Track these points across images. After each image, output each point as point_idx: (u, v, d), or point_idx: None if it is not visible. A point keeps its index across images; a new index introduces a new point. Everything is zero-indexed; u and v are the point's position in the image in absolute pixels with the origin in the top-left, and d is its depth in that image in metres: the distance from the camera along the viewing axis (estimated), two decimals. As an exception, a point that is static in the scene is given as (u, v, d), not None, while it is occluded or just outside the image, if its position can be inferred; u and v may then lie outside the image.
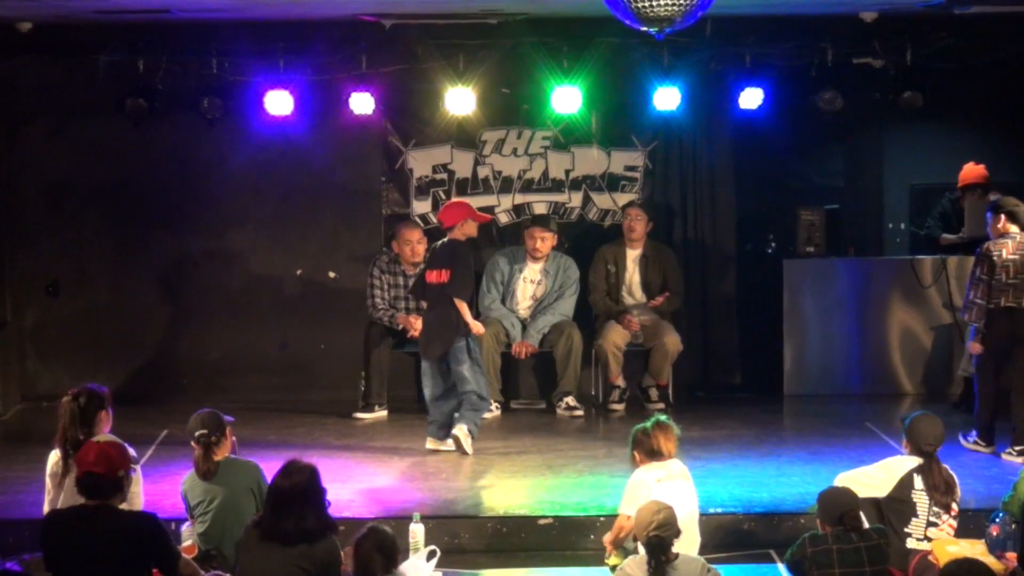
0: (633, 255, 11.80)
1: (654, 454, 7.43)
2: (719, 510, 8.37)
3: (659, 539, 6.39)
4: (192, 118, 11.65)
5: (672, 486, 7.28)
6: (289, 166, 12.19)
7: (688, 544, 6.88)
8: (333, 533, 6.40)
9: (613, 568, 7.28)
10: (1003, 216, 9.70)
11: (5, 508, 8.57)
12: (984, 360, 9.80)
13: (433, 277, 10.02)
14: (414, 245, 11.51)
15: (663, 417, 7.56)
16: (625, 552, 7.33)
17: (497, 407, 11.48)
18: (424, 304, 10.32)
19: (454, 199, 11.08)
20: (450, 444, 9.94)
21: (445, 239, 10.10)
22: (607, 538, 7.60)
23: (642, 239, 11.77)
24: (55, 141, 12.17)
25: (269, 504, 6.38)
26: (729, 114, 12.04)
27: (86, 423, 7.29)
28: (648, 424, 7.49)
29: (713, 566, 6.61)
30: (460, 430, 9.89)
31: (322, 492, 6.41)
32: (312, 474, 6.40)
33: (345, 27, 11.29)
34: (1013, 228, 9.67)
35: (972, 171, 11.37)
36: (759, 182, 12.67)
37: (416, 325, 11.26)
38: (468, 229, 10.08)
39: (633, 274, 11.78)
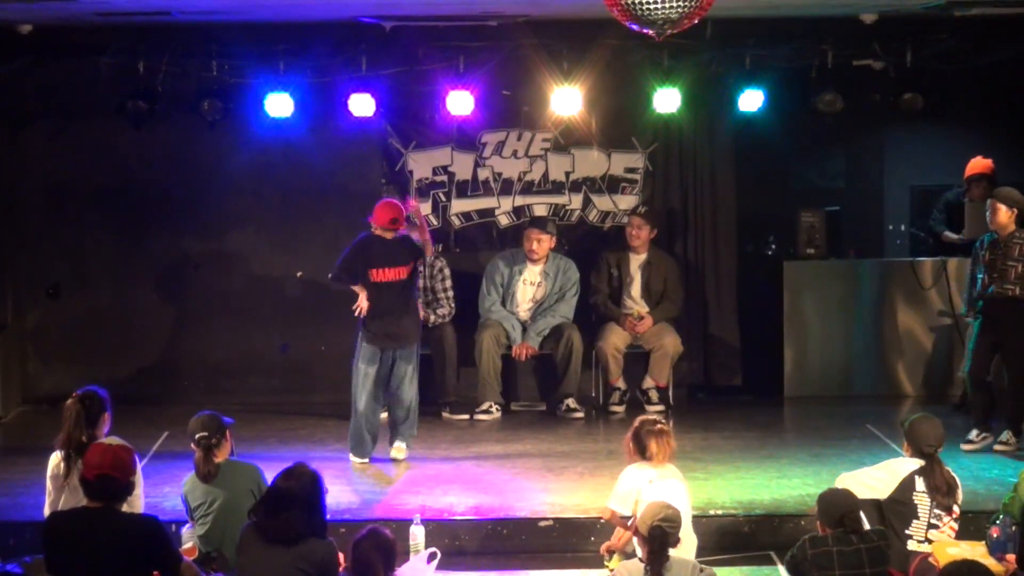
0: (637, 261, 11.80)
1: (643, 454, 7.45)
2: (719, 512, 8.38)
3: (661, 531, 6.39)
4: (192, 120, 11.66)
5: (664, 486, 7.29)
6: (289, 168, 12.19)
7: (685, 547, 6.87)
8: (327, 537, 6.39)
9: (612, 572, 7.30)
10: (1016, 211, 9.79)
11: (6, 510, 8.59)
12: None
13: (391, 275, 9.80)
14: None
15: (667, 427, 7.54)
16: (625, 556, 7.34)
17: (497, 409, 11.49)
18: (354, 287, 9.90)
19: (391, 199, 10.42)
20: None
21: (398, 235, 9.85)
22: (605, 546, 7.62)
23: (646, 246, 11.77)
24: (56, 143, 12.17)
25: (265, 504, 6.39)
26: (729, 116, 12.04)
27: (90, 425, 7.31)
28: (652, 425, 7.49)
29: (709, 567, 6.61)
30: (401, 449, 9.92)
31: (321, 498, 6.40)
32: (312, 480, 6.39)
33: (345, 29, 11.29)
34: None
35: (979, 163, 11.37)
36: (759, 184, 12.67)
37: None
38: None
39: (636, 280, 11.78)
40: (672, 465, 7.52)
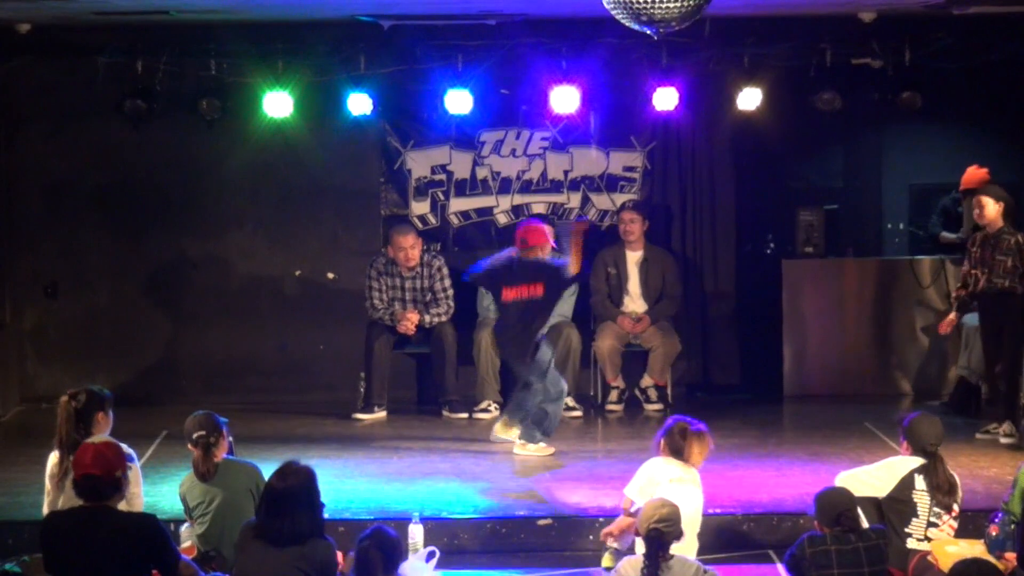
0: (634, 258, 11.80)
1: (677, 453, 7.44)
2: (718, 511, 8.37)
3: (658, 532, 6.40)
4: (191, 119, 11.66)
5: (682, 488, 7.28)
6: (288, 167, 12.19)
7: (685, 550, 6.87)
8: (326, 536, 6.38)
9: (608, 569, 7.30)
10: (1003, 205, 10.05)
11: (5, 509, 8.59)
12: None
13: (518, 293, 9.89)
14: (408, 251, 11.50)
15: (705, 430, 7.52)
16: (620, 553, 7.34)
17: (496, 408, 11.47)
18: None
19: (536, 223, 10.45)
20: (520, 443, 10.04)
21: (527, 256, 9.92)
22: (607, 529, 7.60)
23: (641, 240, 11.78)
24: (54, 143, 12.17)
25: (263, 505, 6.38)
26: (728, 114, 12.03)
27: (84, 424, 7.27)
28: (691, 428, 7.45)
29: (710, 567, 6.61)
30: (523, 438, 9.99)
31: (317, 495, 6.39)
32: (307, 476, 6.37)
33: (343, 28, 11.29)
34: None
35: (973, 176, 11.37)
36: (758, 182, 12.67)
37: (412, 319, 11.34)
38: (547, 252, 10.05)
39: (634, 277, 11.78)
40: (695, 469, 7.50)
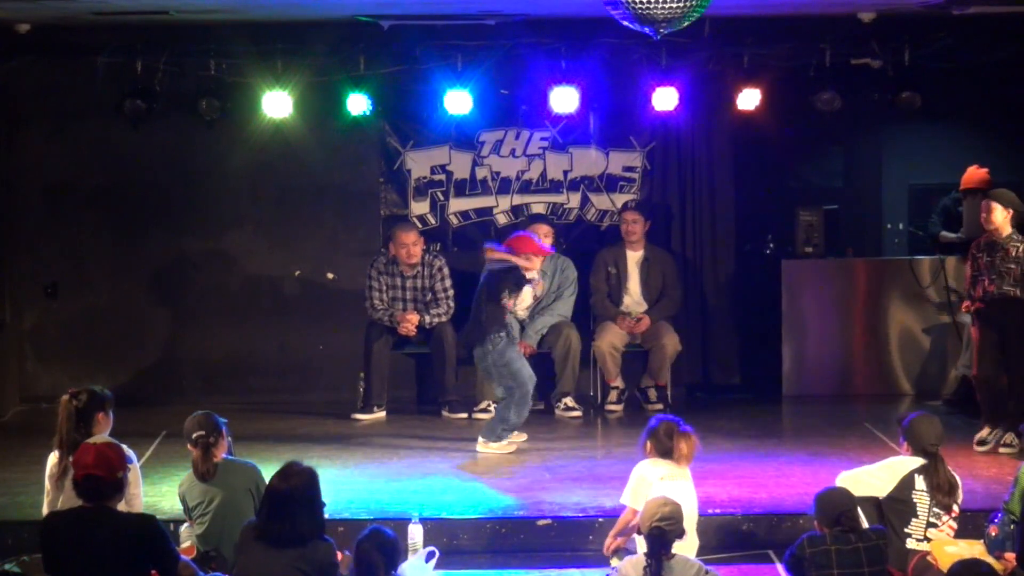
0: (635, 258, 11.81)
1: (666, 454, 7.43)
2: (718, 511, 8.38)
3: (660, 531, 6.39)
4: (190, 119, 11.66)
5: (675, 486, 7.28)
6: (287, 167, 12.19)
7: (685, 548, 6.87)
8: (325, 536, 6.39)
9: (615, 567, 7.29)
10: (1011, 212, 9.89)
11: (4, 509, 8.58)
12: None
13: None
14: (410, 247, 11.50)
15: (690, 429, 7.52)
16: (627, 553, 7.34)
17: (495, 408, 11.47)
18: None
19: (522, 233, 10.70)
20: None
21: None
22: (611, 544, 7.59)
23: (642, 241, 11.79)
24: (54, 143, 12.17)
25: (265, 506, 6.38)
26: (728, 114, 12.04)
27: (84, 424, 7.27)
28: (675, 426, 7.45)
29: (711, 568, 6.61)
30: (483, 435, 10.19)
31: (319, 496, 6.40)
32: (309, 477, 6.39)
33: (343, 28, 11.29)
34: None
35: (974, 175, 11.37)
36: (758, 183, 12.67)
37: (412, 321, 11.35)
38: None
39: (634, 277, 11.79)
40: (685, 467, 7.50)
